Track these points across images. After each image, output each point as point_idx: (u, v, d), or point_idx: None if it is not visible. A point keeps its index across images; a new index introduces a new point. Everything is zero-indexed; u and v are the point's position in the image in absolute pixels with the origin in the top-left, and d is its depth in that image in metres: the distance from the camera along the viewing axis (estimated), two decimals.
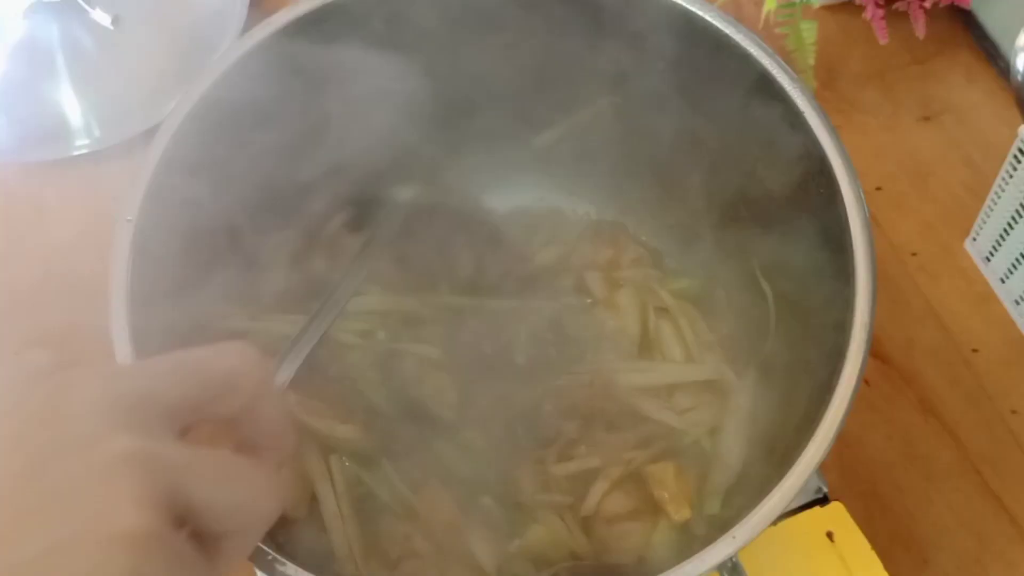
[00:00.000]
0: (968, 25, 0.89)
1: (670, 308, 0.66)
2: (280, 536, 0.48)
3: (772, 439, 0.60)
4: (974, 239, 0.78)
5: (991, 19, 0.88)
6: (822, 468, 0.52)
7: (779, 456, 0.57)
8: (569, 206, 0.74)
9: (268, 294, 0.68)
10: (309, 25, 0.61)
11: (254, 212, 0.67)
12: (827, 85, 0.87)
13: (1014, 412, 0.73)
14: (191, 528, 0.33)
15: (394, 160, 0.66)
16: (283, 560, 0.48)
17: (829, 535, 0.60)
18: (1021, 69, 0.62)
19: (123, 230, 0.55)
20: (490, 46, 0.67)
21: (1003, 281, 0.76)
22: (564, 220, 0.73)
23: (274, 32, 0.60)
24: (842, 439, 0.50)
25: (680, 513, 0.56)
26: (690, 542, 0.55)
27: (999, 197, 0.71)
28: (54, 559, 0.29)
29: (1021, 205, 0.69)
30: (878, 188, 0.82)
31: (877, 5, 0.82)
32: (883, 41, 0.84)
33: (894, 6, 0.83)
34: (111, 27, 0.90)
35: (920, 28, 0.82)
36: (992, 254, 0.76)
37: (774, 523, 0.49)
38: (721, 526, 0.47)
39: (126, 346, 0.53)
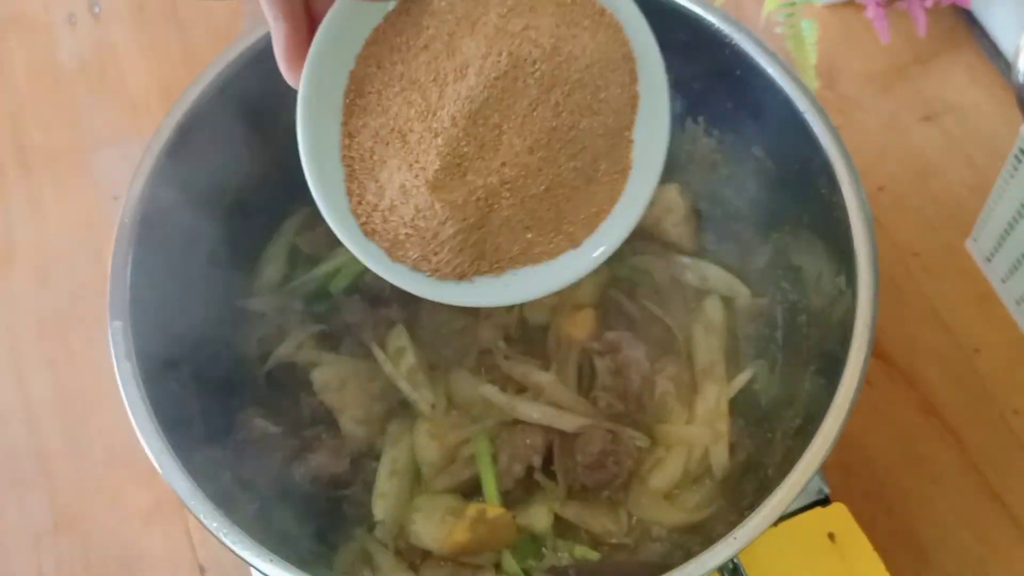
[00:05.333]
0: (969, 25, 0.89)
1: None
2: None
3: (773, 433, 0.61)
4: (975, 239, 0.78)
5: (992, 19, 0.87)
6: (824, 469, 0.52)
7: (780, 455, 0.57)
8: None
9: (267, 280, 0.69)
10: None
11: (254, 205, 0.67)
12: (828, 85, 0.87)
13: (1016, 412, 0.73)
14: None
15: None
16: (281, 560, 0.48)
17: (831, 536, 0.60)
18: (1022, 69, 0.62)
19: (122, 230, 0.55)
20: None
21: (1004, 281, 0.76)
22: None
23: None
24: (844, 440, 0.50)
25: None
26: None
27: (1000, 197, 0.71)
28: None
29: (1022, 205, 0.68)
30: (880, 188, 0.82)
31: (878, 4, 0.82)
32: (884, 41, 0.83)
33: (895, 5, 0.83)
34: None
35: (921, 27, 0.82)
36: (993, 254, 0.76)
37: (775, 524, 0.49)
38: None
39: (125, 345, 0.53)
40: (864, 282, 0.53)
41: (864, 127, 0.85)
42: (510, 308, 0.68)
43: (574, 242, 0.43)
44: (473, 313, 0.69)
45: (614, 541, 0.62)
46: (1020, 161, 0.66)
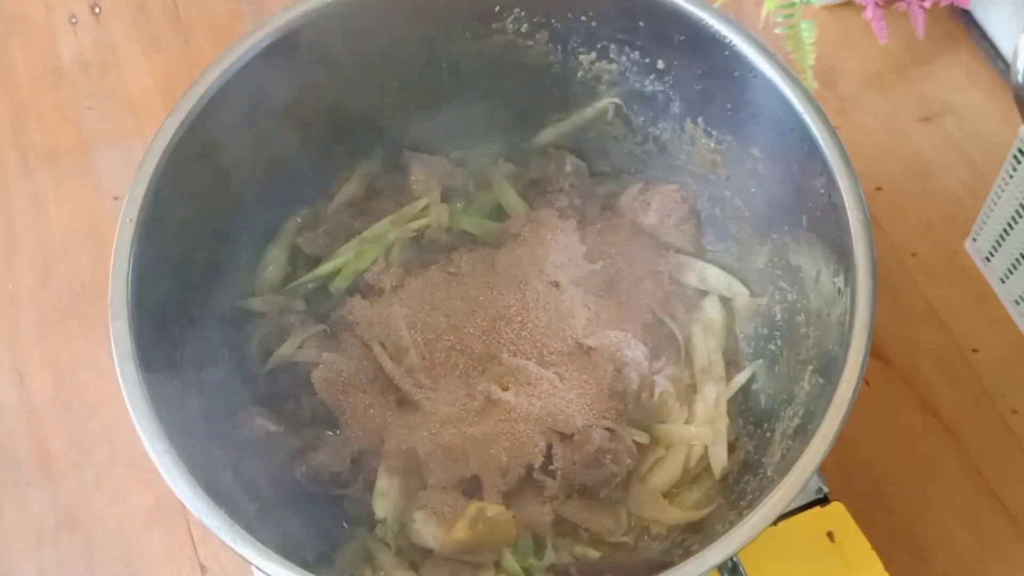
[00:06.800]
0: (968, 26, 0.89)
1: None
2: None
3: (771, 433, 0.61)
4: (974, 239, 0.78)
5: (991, 20, 0.88)
6: (822, 468, 0.52)
7: (778, 454, 0.57)
8: None
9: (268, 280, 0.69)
10: (306, 25, 0.61)
11: (255, 205, 0.67)
12: (827, 85, 0.87)
13: (1014, 412, 0.73)
14: None
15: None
16: (283, 559, 0.48)
17: (829, 535, 0.60)
18: (1021, 70, 0.62)
19: (124, 230, 0.55)
20: (493, 44, 0.68)
21: (1003, 281, 0.76)
22: None
23: (273, 32, 0.60)
24: (843, 439, 0.50)
25: None
26: None
27: (999, 197, 0.71)
28: None
29: (1021, 205, 0.68)
30: (878, 189, 0.82)
31: (877, 5, 0.82)
32: (883, 41, 0.84)
33: (894, 6, 0.83)
34: None
35: (920, 28, 0.82)
36: (992, 254, 0.76)
37: (774, 523, 0.49)
38: None
39: (126, 345, 0.53)
40: (863, 282, 0.53)
41: (863, 128, 0.86)
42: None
43: None
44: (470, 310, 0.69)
45: (614, 539, 0.62)
46: (1019, 161, 0.66)
